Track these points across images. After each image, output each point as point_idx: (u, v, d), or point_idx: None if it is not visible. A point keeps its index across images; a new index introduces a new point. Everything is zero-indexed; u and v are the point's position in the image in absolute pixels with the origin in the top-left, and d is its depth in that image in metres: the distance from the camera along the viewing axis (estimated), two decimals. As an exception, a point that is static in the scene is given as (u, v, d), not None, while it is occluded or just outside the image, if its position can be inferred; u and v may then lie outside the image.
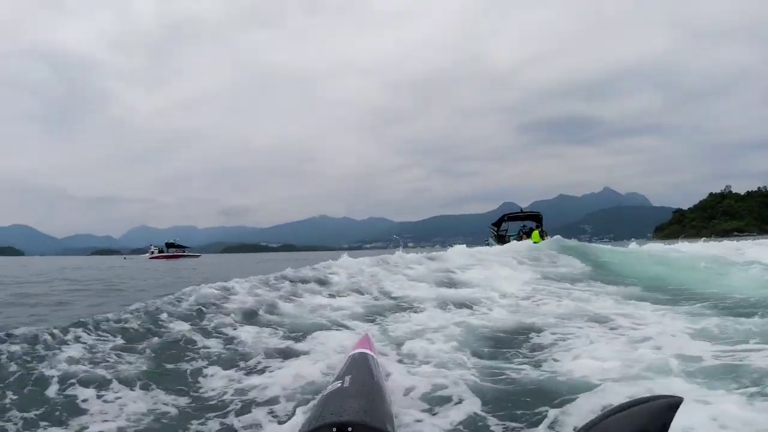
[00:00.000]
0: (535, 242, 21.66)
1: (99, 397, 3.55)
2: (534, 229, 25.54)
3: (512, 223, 29.27)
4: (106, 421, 3.22)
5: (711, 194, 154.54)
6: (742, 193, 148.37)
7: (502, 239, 26.48)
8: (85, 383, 3.67)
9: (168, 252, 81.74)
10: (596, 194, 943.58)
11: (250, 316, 6.07)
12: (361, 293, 8.39)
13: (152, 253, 79.37)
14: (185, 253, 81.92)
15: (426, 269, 11.57)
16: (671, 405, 1.72)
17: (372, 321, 6.54)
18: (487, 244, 24.07)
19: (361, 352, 3.63)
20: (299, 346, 5.03)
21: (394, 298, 8.15)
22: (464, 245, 17.55)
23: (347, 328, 5.98)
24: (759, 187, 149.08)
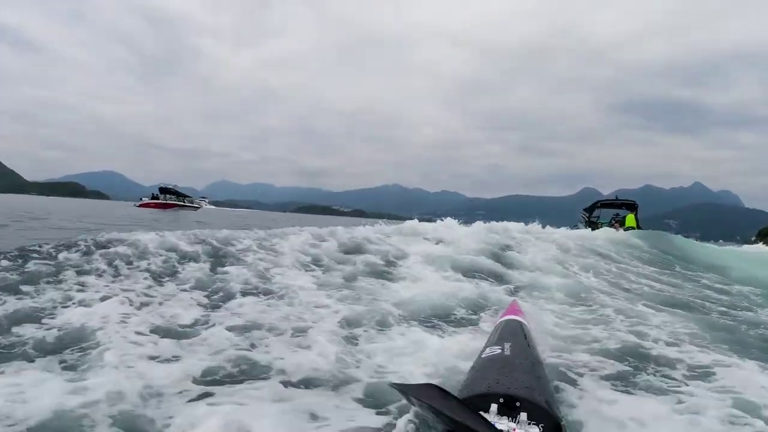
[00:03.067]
0: (629, 226, 22.14)
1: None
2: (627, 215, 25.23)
3: (604, 210, 28.53)
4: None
5: None
6: None
7: (593, 225, 25.47)
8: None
9: (164, 199, 65.27)
10: (685, 188, 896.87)
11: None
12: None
13: (141, 200, 66.34)
14: (184, 203, 66.44)
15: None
16: None
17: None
18: (576, 229, 23.22)
19: (513, 319, 3.49)
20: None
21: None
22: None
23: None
24: None
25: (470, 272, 7.11)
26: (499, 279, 7.16)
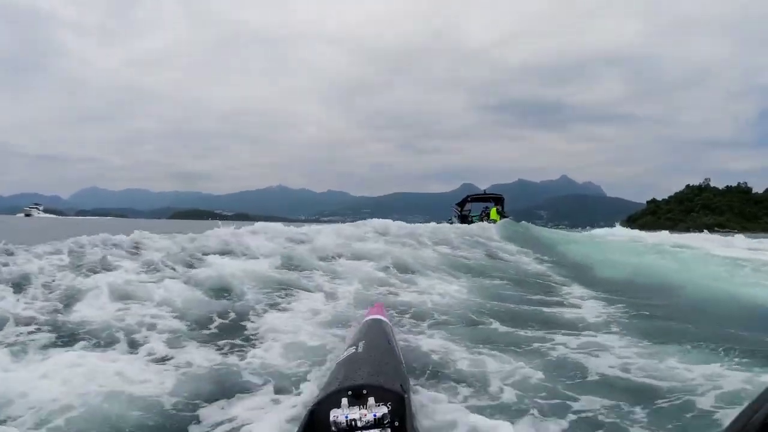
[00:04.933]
0: (492, 219, 24.55)
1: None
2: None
3: (475, 204, 30.15)
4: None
5: (688, 186, 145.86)
6: (721, 188, 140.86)
7: (465, 219, 27.11)
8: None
9: None
10: (554, 181, 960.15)
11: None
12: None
13: None
14: None
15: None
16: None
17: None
18: (450, 223, 24.89)
19: (374, 319, 3.70)
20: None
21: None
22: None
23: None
24: (739, 183, 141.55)
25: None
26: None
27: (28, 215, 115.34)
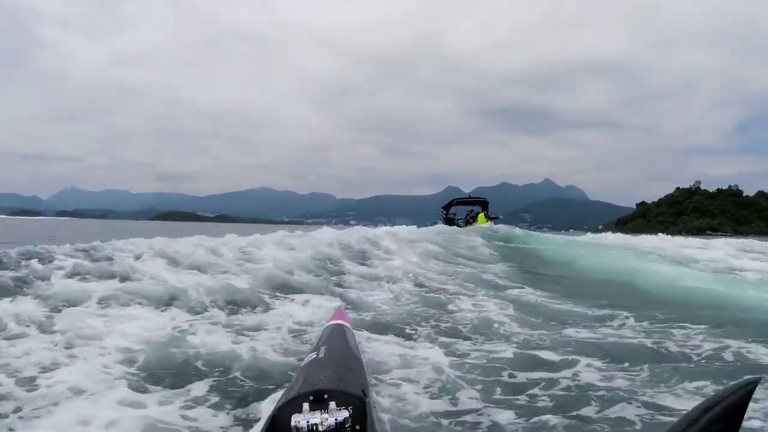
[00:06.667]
0: (480, 224, 24.55)
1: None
2: (479, 213, 27.57)
3: (460, 208, 30.32)
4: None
5: (678, 189, 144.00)
6: (711, 191, 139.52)
7: (450, 222, 27.36)
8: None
9: None
10: (536, 185, 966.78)
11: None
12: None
13: None
14: None
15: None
16: (749, 383, 1.64)
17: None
18: (434, 225, 25.33)
19: (336, 324, 3.76)
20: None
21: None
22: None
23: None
24: (730, 186, 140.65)
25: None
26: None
27: None
